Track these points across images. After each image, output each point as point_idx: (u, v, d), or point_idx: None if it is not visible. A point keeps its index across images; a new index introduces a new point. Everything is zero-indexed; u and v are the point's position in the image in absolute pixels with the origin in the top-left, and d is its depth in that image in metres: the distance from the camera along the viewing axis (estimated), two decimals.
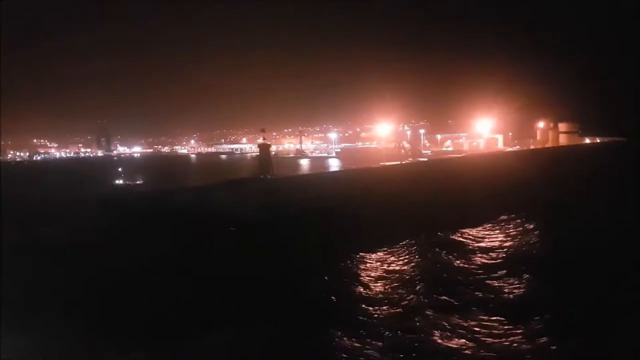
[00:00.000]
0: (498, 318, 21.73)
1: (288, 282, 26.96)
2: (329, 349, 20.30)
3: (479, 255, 32.37)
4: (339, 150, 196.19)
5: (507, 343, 19.68)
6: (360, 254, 31.87)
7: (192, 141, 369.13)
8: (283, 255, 30.51)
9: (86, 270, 29.16)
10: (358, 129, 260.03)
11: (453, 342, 19.99)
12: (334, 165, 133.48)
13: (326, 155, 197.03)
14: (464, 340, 20.01)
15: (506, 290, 25.42)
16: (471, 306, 23.21)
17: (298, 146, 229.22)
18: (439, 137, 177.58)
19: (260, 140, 67.60)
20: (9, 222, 36.61)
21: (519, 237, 36.88)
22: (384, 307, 24.06)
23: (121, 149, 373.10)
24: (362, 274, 29.16)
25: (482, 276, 27.50)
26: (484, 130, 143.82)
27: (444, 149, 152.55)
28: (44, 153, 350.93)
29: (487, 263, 30.28)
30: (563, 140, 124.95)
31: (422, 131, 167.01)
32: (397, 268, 30.36)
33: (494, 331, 20.66)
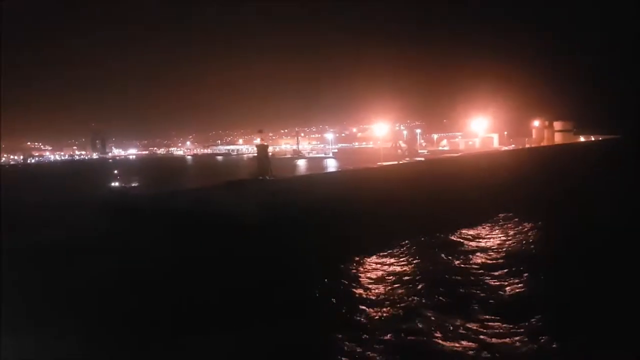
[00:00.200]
0: (498, 319, 21.70)
1: (287, 284, 26.97)
2: (329, 351, 20.32)
3: (478, 255, 32.35)
4: (336, 150, 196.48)
5: (508, 344, 19.71)
6: (360, 255, 31.77)
7: (188, 143, 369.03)
8: (283, 257, 30.49)
9: (83, 273, 29.14)
10: (354, 129, 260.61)
11: (454, 343, 20.02)
12: (332, 165, 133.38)
13: (323, 155, 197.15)
14: (465, 341, 20.02)
15: (506, 290, 25.42)
16: (472, 308, 23.16)
17: (295, 147, 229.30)
18: (435, 136, 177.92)
19: (258, 141, 67.56)
20: (6, 225, 36.53)
21: (517, 236, 36.99)
22: (384, 309, 23.97)
23: (116, 151, 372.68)
24: (362, 276, 29.15)
25: (482, 277, 27.48)
26: (480, 130, 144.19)
27: (440, 148, 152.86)
28: (38, 156, 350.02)
29: (486, 263, 30.26)
30: (558, 138, 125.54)
31: (418, 131, 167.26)
32: (397, 270, 30.34)
33: (495, 331, 20.67)
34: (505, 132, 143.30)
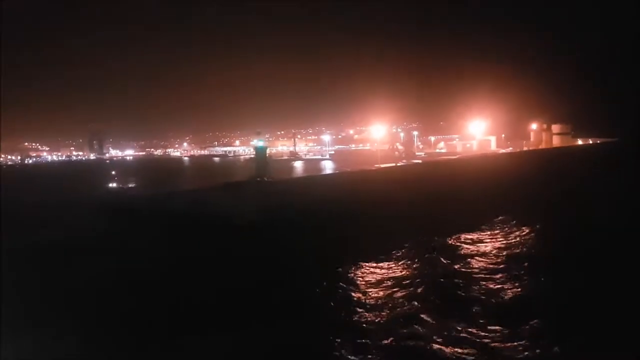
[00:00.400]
0: (498, 322, 21.56)
1: (284, 285, 26.85)
2: (327, 352, 20.28)
3: (477, 258, 32.27)
4: (332, 152, 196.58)
5: (508, 348, 19.65)
6: (358, 257, 31.53)
7: (185, 144, 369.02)
8: (280, 259, 30.40)
9: (81, 274, 29.09)
10: (351, 131, 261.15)
11: (453, 346, 19.96)
12: (329, 167, 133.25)
13: (320, 157, 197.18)
14: (464, 344, 19.93)
15: (506, 293, 25.31)
16: (471, 311, 23.06)
17: (291, 148, 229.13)
18: (432, 138, 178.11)
19: (256, 143, 67.20)
20: (5, 225, 36.53)
21: (515, 238, 36.96)
22: (382, 312, 23.89)
23: (113, 152, 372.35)
24: (360, 278, 29.07)
25: (481, 280, 27.37)
26: (477, 132, 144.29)
27: (438, 150, 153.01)
28: (35, 156, 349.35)
29: (485, 266, 30.18)
30: (556, 141, 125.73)
31: (415, 133, 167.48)
32: (395, 272, 30.27)
33: (495, 335, 20.58)
34: (503, 135, 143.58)
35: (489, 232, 39.63)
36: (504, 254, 32.98)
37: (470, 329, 20.98)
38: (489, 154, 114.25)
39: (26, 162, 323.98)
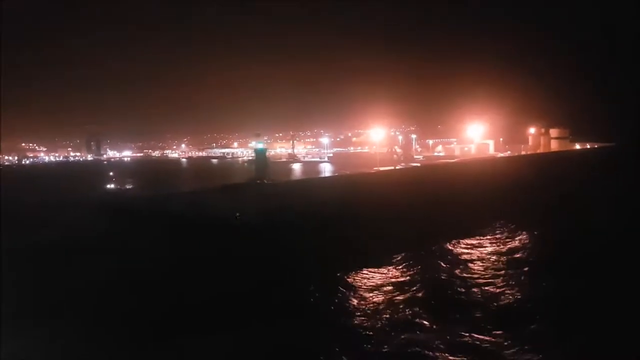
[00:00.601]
0: (500, 328, 21.62)
1: (284, 286, 26.97)
2: (325, 354, 20.34)
3: (476, 262, 32.36)
4: (331, 154, 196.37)
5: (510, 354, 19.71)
6: (358, 260, 31.49)
7: (183, 145, 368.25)
8: (280, 260, 30.41)
9: (80, 274, 29.14)
10: (349, 134, 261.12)
11: (455, 353, 20.04)
12: (327, 170, 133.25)
13: (318, 159, 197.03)
14: (466, 350, 20.03)
15: (507, 299, 25.37)
16: (470, 316, 23.13)
17: (290, 150, 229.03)
18: (430, 142, 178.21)
19: (254, 145, 67.24)
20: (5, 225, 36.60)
21: (514, 242, 37.03)
22: (381, 315, 23.90)
23: (111, 153, 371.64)
24: (359, 280, 29.12)
25: (482, 286, 27.35)
26: (475, 136, 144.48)
27: (436, 154, 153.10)
28: (32, 157, 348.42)
29: (486, 272, 30.23)
30: (554, 145, 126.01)
31: (413, 136, 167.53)
32: (394, 275, 30.29)
33: (495, 340, 20.64)
34: (501, 139, 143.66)
35: (488, 237, 39.62)
36: (504, 259, 33.05)
37: (470, 334, 21.05)
38: (487, 157, 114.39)
39: (23, 162, 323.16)
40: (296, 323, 22.75)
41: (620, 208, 47.89)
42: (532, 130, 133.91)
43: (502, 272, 29.71)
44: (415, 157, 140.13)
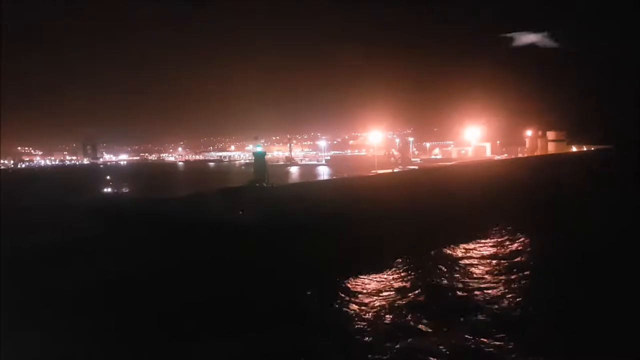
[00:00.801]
0: (500, 332, 21.61)
1: (283, 289, 26.90)
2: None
3: (476, 266, 32.35)
4: (328, 157, 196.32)
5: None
6: (359, 266, 31.44)
7: (179, 149, 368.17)
8: (280, 263, 30.32)
9: (77, 277, 29.17)
10: (346, 137, 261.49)
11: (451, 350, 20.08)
12: (325, 173, 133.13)
13: (316, 162, 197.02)
14: (467, 355, 20.03)
15: (507, 303, 25.35)
16: (472, 321, 23.11)
17: (287, 154, 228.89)
18: (427, 144, 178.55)
19: (252, 147, 67.10)
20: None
21: (513, 246, 37.08)
22: (380, 318, 23.89)
23: (107, 157, 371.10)
24: (358, 282, 29.12)
25: (482, 291, 27.29)
26: (472, 138, 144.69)
27: (433, 156, 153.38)
28: (28, 161, 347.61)
29: (485, 277, 30.21)
30: (551, 148, 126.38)
31: (411, 139, 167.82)
32: (393, 278, 30.30)
33: (495, 343, 20.63)
34: (498, 141, 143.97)
35: (486, 241, 39.65)
36: (503, 262, 33.04)
37: (470, 338, 21.01)
38: (484, 160, 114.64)
39: (19, 166, 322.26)
40: (296, 328, 22.67)
41: (618, 210, 48.17)
42: (529, 132, 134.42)
43: (502, 277, 29.71)
44: (412, 159, 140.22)
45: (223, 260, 30.08)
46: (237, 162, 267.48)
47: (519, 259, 33.71)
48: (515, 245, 37.65)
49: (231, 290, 26.43)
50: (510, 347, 20.09)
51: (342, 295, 27.26)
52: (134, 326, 23.00)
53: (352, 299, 26.74)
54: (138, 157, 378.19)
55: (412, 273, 30.91)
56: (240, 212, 35.07)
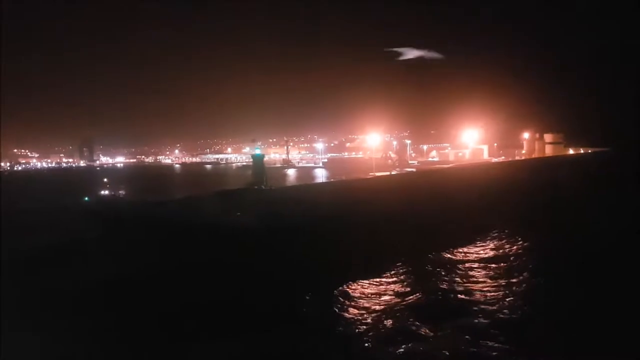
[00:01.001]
0: (500, 334, 21.61)
1: (283, 291, 26.84)
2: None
3: (475, 269, 32.38)
4: (325, 160, 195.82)
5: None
6: (361, 269, 31.40)
7: (176, 151, 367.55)
8: (280, 265, 30.21)
9: (76, 278, 29.20)
10: (343, 139, 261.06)
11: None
12: (324, 175, 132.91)
13: (313, 165, 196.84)
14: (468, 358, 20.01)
15: (508, 306, 25.34)
16: (472, 324, 23.10)
17: (284, 156, 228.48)
18: (424, 147, 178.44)
19: (249, 150, 66.94)
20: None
21: (512, 250, 37.09)
22: (379, 321, 23.89)
23: (104, 159, 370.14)
24: (358, 285, 29.08)
25: (483, 296, 27.26)
26: (469, 141, 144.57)
27: (430, 159, 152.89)
28: (24, 163, 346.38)
29: (485, 280, 30.20)
30: (549, 150, 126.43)
31: (408, 142, 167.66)
32: (392, 280, 30.27)
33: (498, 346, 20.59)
34: (495, 144, 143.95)
35: (486, 243, 39.71)
36: (503, 265, 33.06)
37: (471, 341, 21.01)
38: (482, 162, 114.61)
39: (15, 169, 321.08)
40: (295, 330, 22.75)
41: (616, 212, 48.35)
42: (526, 135, 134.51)
43: (501, 280, 29.75)
44: (410, 162, 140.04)
45: (222, 262, 29.99)
46: (234, 164, 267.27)
47: (517, 262, 33.73)
48: (514, 247, 37.67)
49: (230, 292, 26.36)
50: (510, 348, 20.11)
51: (341, 298, 27.24)
52: (134, 326, 23.02)
53: (351, 303, 26.70)
54: (135, 160, 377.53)
55: (411, 277, 30.90)
56: (238, 215, 34.92)
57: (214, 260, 30.27)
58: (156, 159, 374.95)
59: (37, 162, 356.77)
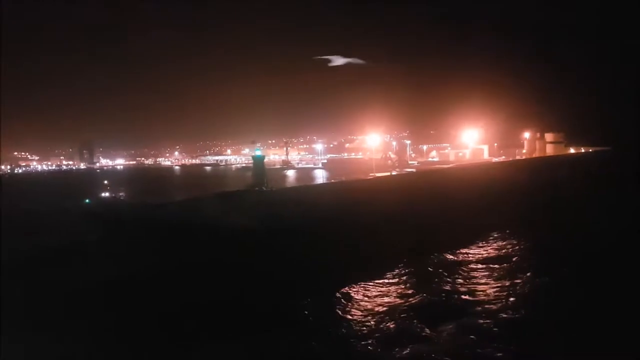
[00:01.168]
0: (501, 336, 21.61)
1: (283, 292, 26.84)
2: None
3: (476, 271, 32.33)
4: (325, 161, 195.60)
5: None
6: (362, 272, 31.28)
7: (176, 153, 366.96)
8: (280, 266, 30.19)
9: (76, 279, 29.16)
10: (343, 140, 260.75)
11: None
12: (323, 176, 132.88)
13: (312, 166, 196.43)
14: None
15: (509, 308, 25.29)
16: (474, 326, 23.07)
17: (283, 157, 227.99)
18: (424, 147, 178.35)
19: (248, 151, 66.69)
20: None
21: (515, 251, 37.04)
22: (378, 323, 23.86)
23: (104, 161, 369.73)
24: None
25: (485, 297, 27.20)
26: (470, 141, 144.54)
27: (430, 159, 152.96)
28: (25, 166, 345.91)
29: (487, 281, 30.15)
30: (549, 150, 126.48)
31: (408, 142, 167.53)
32: (392, 282, 30.21)
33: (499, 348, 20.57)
34: (496, 144, 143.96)
35: (486, 244, 39.68)
36: (505, 266, 33.01)
37: (471, 342, 21.03)
38: (483, 162, 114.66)
39: (16, 171, 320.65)
40: (294, 331, 22.79)
41: (617, 211, 48.31)
42: (527, 135, 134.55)
43: (502, 281, 29.72)
44: (409, 162, 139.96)
45: (222, 263, 30.04)
46: (233, 165, 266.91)
47: (519, 262, 33.71)
48: (516, 248, 37.65)
49: (230, 293, 26.37)
50: (512, 348, 20.12)
51: (342, 300, 27.22)
52: (134, 327, 23.00)
53: (352, 304, 26.71)
54: (134, 162, 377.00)
55: (413, 278, 30.83)
56: (238, 216, 34.93)
57: (214, 262, 30.29)
58: (156, 161, 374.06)
59: (37, 164, 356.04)
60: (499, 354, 19.81)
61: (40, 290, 27.53)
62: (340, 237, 33.91)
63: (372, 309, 25.72)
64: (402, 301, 26.70)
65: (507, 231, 42.48)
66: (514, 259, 34.43)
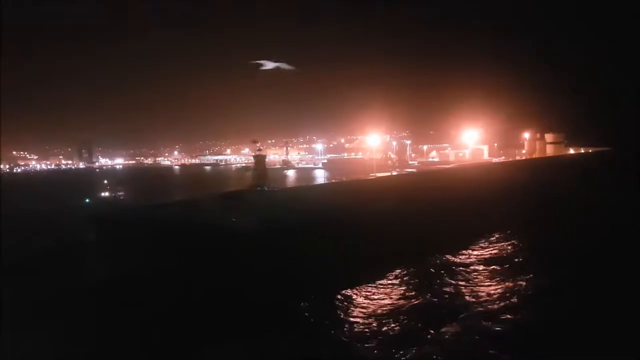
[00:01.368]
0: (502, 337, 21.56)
1: (283, 293, 26.73)
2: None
3: (480, 275, 32.24)
4: (325, 161, 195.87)
5: None
6: (359, 266, 31.33)
7: (175, 152, 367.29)
8: (280, 268, 30.12)
9: (76, 280, 29.18)
10: (342, 140, 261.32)
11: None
12: (323, 176, 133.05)
13: (312, 166, 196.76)
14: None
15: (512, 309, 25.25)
16: (476, 327, 23.01)
17: (283, 157, 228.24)
18: (424, 147, 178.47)
19: (248, 151, 66.57)
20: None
21: (516, 252, 37.04)
22: (378, 324, 23.80)
23: (103, 161, 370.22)
24: (357, 287, 28.95)
25: (486, 299, 27.12)
26: (470, 141, 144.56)
27: (430, 159, 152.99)
28: (24, 165, 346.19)
29: (489, 283, 30.10)
30: (549, 150, 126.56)
31: (408, 142, 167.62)
32: (393, 283, 30.17)
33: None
34: (496, 144, 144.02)
35: (487, 244, 39.66)
36: (506, 268, 32.96)
37: (471, 342, 21.02)
38: (482, 163, 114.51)
39: (15, 171, 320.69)
40: (296, 331, 22.80)
41: (617, 211, 48.36)
42: (527, 135, 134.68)
43: (503, 281, 29.70)
44: (409, 162, 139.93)
45: (222, 264, 29.87)
46: (233, 165, 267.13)
47: (520, 262, 33.75)
48: (517, 248, 37.66)
49: (230, 293, 26.19)
50: (513, 349, 20.08)
51: (343, 300, 27.20)
52: (134, 327, 22.99)
53: (353, 304, 26.68)
54: (134, 161, 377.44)
55: (415, 279, 30.79)
56: (238, 216, 34.74)
57: (214, 262, 30.16)
58: (155, 161, 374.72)
59: (36, 164, 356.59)
60: (501, 355, 19.72)
61: (40, 290, 27.50)
62: (341, 237, 33.79)
63: (373, 310, 25.64)
64: (404, 302, 26.62)
65: (509, 231, 42.44)
66: (515, 260, 34.40)
